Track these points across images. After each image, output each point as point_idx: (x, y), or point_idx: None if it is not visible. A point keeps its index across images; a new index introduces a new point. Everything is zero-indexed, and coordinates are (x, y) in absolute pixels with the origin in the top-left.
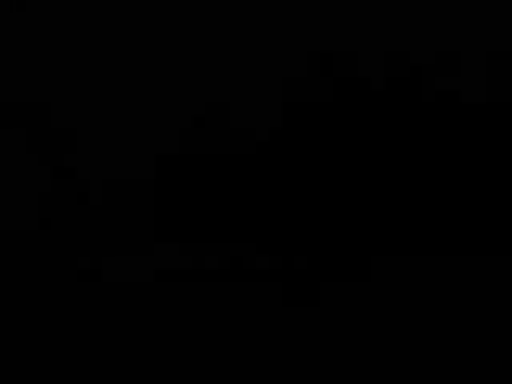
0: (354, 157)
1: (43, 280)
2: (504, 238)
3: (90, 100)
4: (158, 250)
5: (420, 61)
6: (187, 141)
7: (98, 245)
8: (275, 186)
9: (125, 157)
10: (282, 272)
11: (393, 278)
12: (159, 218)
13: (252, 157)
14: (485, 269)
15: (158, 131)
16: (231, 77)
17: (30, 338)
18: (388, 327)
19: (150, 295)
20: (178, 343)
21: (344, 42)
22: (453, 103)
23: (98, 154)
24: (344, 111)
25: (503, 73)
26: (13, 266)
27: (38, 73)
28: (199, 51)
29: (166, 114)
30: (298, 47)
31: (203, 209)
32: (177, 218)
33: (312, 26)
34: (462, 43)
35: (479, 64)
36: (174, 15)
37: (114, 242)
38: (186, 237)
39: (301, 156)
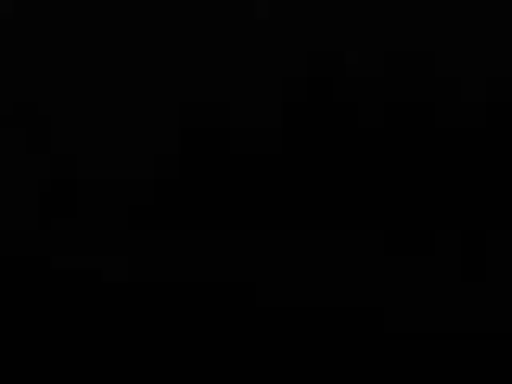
0: (354, 157)
1: (43, 280)
2: (504, 238)
3: (90, 100)
4: (157, 249)
5: (420, 60)
6: (187, 141)
7: (98, 245)
8: (275, 187)
9: (125, 157)
10: (282, 272)
11: (394, 278)
12: (159, 217)
13: (252, 157)
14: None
15: (158, 131)
16: (231, 77)
17: (29, 338)
18: (388, 326)
19: (150, 295)
20: (178, 343)
21: (344, 42)
22: (453, 103)
23: (98, 154)
24: (344, 111)
25: (503, 73)
26: (13, 266)
27: (37, 73)
28: (199, 51)
29: (166, 114)
30: (298, 47)
31: (203, 209)
32: (177, 218)
33: (312, 26)
34: (462, 43)
35: (479, 64)
36: (173, 15)
37: (113, 241)
38: (186, 236)
39: (301, 156)
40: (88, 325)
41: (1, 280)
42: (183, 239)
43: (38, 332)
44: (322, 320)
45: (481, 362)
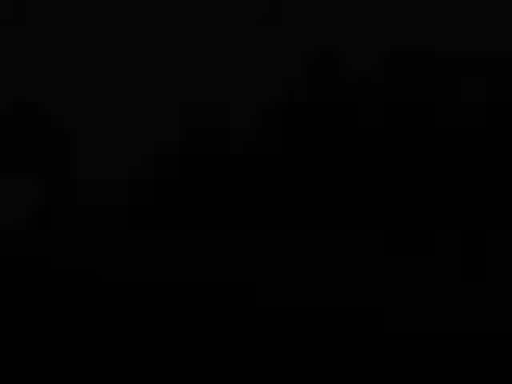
0: (354, 157)
1: (43, 280)
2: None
3: (90, 100)
4: (157, 249)
5: (420, 60)
6: (187, 141)
7: (98, 245)
8: (275, 187)
9: (125, 157)
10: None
11: (394, 278)
12: (159, 217)
13: (252, 157)
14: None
15: (158, 131)
16: (231, 77)
17: (29, 339)
18: (388, 326)
19: (150, 295)
20: (178, 343)
21: (344, 42)
22: (453, 103)
23: (98, 154)
24: (344, 111)
25: (503, 73)
26: (13, 266)
27: (37, 73)
28: (199, 50)
29: (166, 114)
30: (298, 47)
31: (203, 209)
32: (177, 218)
33: (312, 26)
34: (462, 43)
35: (479, 64)
36: (173, 14)
37: (113, 241)
38: (186, 236)
39: (301, 156)
40: (88, 325)
41: (1, 280)
42: (183, 239)
43: (38, 332)
44: (321, 320)
45: (481, 361)
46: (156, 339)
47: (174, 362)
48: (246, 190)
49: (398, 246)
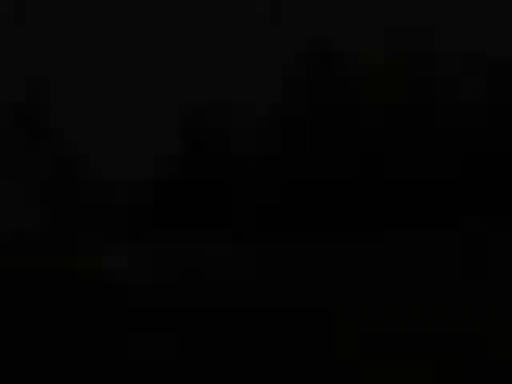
0: (354, 157)
1: (43, 280)
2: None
3: (91, 100)
4: (158, 249)
5: (420, 60)
6: (187, 141)
7: (98, 244)
8: (275, 187)
9: (125, 157)
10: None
11: (395, 279)
12: (159, 217)
13: (252, 157)
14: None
15: (158, 131)
16: (231, 77)
17: (30, 338)
18: (388, 326)
19: (151, 295)
20: (178, 343)
21: (344, 42)
22: (453, 103)
23: (98, 154)
24: (344, 111)
25: (502, 72)
26: (13, 267)
27: (38, 73)
28: (200, 52)
29: (166, 114)
30: (298, 47)
31: (203, 209)
32: (177, 218)
33: (312, 25)
34: (462, 43)
35: (479, 64)
36: (174, 16)
37: (114, 241)
38: (186, 236)
39: (301, 156)
40: (88, 324)
41: (1, 280)
42: (183, 239)
43: (39, 332)
44: (321, 320)
45: (481, 361)
46: (156, 339)
47: (173, 361)
48: (245, 190)
49: (397, 246)
